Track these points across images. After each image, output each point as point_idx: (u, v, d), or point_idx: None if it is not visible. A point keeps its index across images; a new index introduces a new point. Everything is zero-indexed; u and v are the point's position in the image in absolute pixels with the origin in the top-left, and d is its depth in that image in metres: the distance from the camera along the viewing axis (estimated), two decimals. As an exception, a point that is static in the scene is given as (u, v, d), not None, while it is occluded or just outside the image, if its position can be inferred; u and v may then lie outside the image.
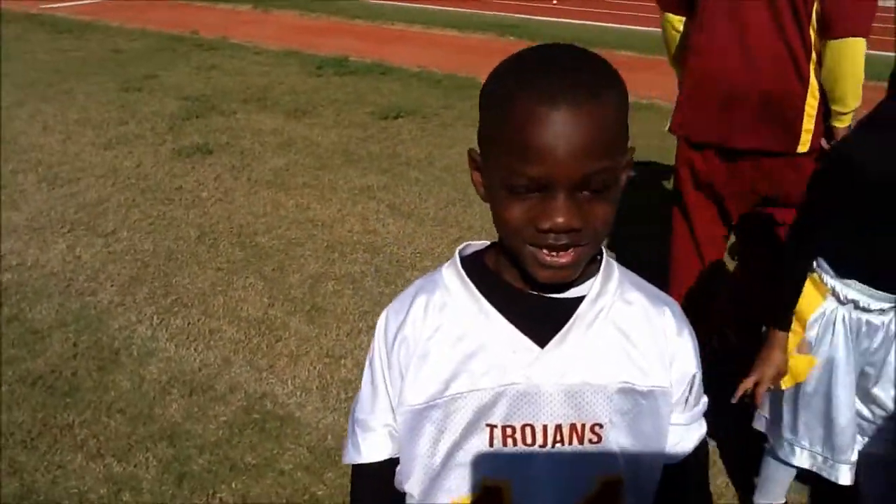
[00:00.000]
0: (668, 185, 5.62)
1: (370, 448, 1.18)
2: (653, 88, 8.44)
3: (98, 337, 3.74)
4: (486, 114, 1.02)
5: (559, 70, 0.96)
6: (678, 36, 3.04)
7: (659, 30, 3.16)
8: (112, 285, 4.23)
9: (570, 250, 0.99)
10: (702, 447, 1.20)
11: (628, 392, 1.07)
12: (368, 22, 12.52)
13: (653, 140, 6.58)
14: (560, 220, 0.95)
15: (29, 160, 6.12)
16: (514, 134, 0.95)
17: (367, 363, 1.18)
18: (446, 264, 1.14)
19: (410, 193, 5.54)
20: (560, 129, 0.92)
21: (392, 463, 1.17)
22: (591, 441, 1.07)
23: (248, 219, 5.08)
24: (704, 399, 1.20)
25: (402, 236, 4.87)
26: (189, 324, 3.86)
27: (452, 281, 1.11)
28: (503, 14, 13.50)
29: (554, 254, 0.99)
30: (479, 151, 1.06)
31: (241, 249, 4.64)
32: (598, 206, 0.98)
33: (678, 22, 3.00)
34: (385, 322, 1.16)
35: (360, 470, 1.22)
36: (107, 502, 2.75)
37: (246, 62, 9.61)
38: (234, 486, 2.82)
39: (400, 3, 14.36)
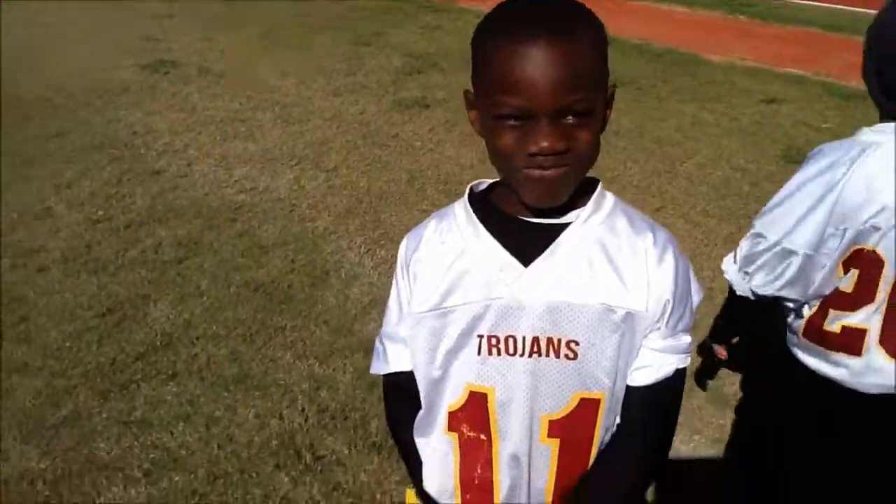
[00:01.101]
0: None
1: (396, 358, 1.29)
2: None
3: (313, 257, 4.13)
4: (476, 55, 1.13)
5: (536, 11, 1.06)
6: None
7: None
8: (329, 215, 4.62)
9: (557, 168, 1.08)
10: (673, 382, 1.21)
11: (606, 313, 1.14)
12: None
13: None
14: (545, 143, 1.05)
15: (267, 100, 6.73)
16: (498, 70, 1.06)
17: (393, 283, 1.30)
18: (459, 200, 1.26)
19: (616, 160, 5.55)
20: (538, 63, 1.02)
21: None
22: (567, 356, 1.15)
23: (455, 169, 5.33)
24: (687, 337, 1.21)
25: (601, 200, 4.92)
26: (392, 255, 4.09)
27: (459, 209, 1.24)
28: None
29: (543, 170, 1.08)
30: (472, 91, 1.16)
31: (447, 196, 4.88)
32: (581, 132, 1.08)
33: None
34: (405, 246, 1.28)
35: (389, 380, 1.34)
36: (307, 395, 3.09)
37: (470, 25, 9.69)
38: (417, 400, 3.06)
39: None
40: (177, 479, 2.69)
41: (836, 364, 1.91)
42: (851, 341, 1.89)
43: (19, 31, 8.73)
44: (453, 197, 4.28)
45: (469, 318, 1.18)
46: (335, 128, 6.10)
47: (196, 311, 3.61)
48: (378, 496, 2.64)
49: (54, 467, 2.73)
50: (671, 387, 1.22)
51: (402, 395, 1.31)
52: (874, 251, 1.78)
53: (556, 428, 1.19)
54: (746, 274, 1.94)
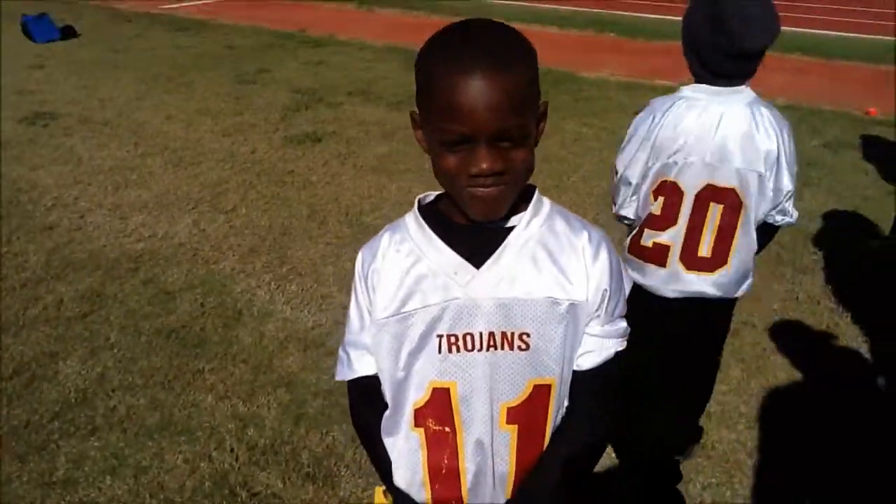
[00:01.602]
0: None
1: (360, 363, 1.40)
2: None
3: (223, 298, 4.13)
4: (420, 82, 1.23)
5: (476, 45, 1.17)
6: None
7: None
8: (234, 255, 4.63)
9: (497, 187, 1.20)
10: (614, 365, 1.37)
11: (552, 305, 1.28)
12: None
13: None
14: (484, 165, 1.17)
15: (155, 145, 6.65)
16: (442, 100, 1.16)
17: (352, 295, 1.41)
18: (409, 212, 1.37)
19: (507, 179, 5.76)
20: (477, 94, 1.13)
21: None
22: (520, 348, 1.28)
23: (355, 200, 5.42)
24: (623, 323, 1.38)
25: (498, 218, 5.12)
26: (303, 290, 4.21)
27: (411, 221, 1.35)
28: (601, 11, 13.54)
29: (484, 188, 1.20)
30: (418, 113, 1.27)
31: (349, 227, 4.97)
32: (517, 153, 1.20)
33: None
34: (361, 259, 1.39)
35: (354, 385, 1.44)
36: (234, 435, 3.10)
37: (351, 58, 10.02)
38: (344, 427, 3.12)
39: (500, 2, 14.59)
40: (110, 533, 2.67)
41: (649, 274, 2.52)
42: (659, 255, 2.48)
43: None
44: (356, 227, 4.44)
45: (428, 320, 1.29)
46: (229, 168, 6.09)
47: (109, 364, 3.56)
48: (317, 524, 2.69)
49: (-21, 537, 2.66)
50: (613, 369, 1.36)
51: (367, 398, 1.41)
52: (675, 182, 2.36)
53: (514, 414, 1.31)
54: (615, 203, 2.55)
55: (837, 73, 9.24)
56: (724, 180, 2.33)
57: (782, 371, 3.54)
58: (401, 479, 1.40)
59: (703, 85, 2.30)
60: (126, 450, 3.03)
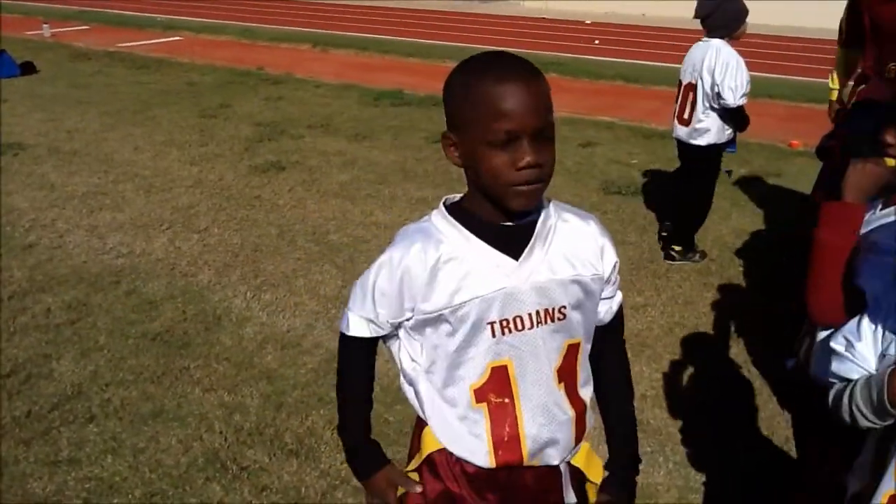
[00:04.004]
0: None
1: (377, 331, 1.62)
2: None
3: (202, 307, 4.46)
4: (460, 100, 1.43)
5: (508, 61, 1.42)
6: None
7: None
8: (209, 269, 4.97)
9: (537, 184, 1.41)
10: (619, 313, 1.71)
11: (578, 281, 1.53)
12: (420, 60, 13.35)
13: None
14: (529, 158, 1.37)
15: (126, 173, 6.95)
16: (490, 106, 1.37)
17: (371, 275, 1.56)
18: (434, 214, 1.55)
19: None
20: (521, 96, 1.36)
21: (368, 341, 1.65)
22: (559, 319, 1.52)
23: (320, 221, 5.81)
24: (619, 278, 1.67)
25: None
26: (277, 298, 4.57)
27: (442, 224, 1.52)
28: (544, 52, 14.21)
29: (528, 185, 1.40)
30: (450, 133, 1.47)
31: (316, 245, 5.35)
32: (548, 149, 1.41)
33: None
34: (390, 258, 1.53)
35: (362, 341, 1.65)
36: (222, 420, 3.43)
37: (309, 94, 10.45)
38: (321, 412, 3.48)
39: (448, 43, 15.19)
40: (116, 502, 2.97)
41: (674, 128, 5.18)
42: (676, 115, 5.09)
43: None
44: (323, 245, 4.90)
45: (478, 310, 1.48)
46: (199, 193, 6.43)
47: (100, 363, 3.86)
48: (303, 490, 3.03)
49: (-5, 507, 2.94)
50: (622, 313, 1.73)
51: (367, 355, 1.69)
52: (681, 80, 5.04)
53: (560, 373, 1.56)
54: None
55: (763, 109, 9.95)
56: (689, 78, 4.89)
57: (708, 361, 4.00)
58: (463, 449, 1.59)
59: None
60: (123, 434, 3.34)
